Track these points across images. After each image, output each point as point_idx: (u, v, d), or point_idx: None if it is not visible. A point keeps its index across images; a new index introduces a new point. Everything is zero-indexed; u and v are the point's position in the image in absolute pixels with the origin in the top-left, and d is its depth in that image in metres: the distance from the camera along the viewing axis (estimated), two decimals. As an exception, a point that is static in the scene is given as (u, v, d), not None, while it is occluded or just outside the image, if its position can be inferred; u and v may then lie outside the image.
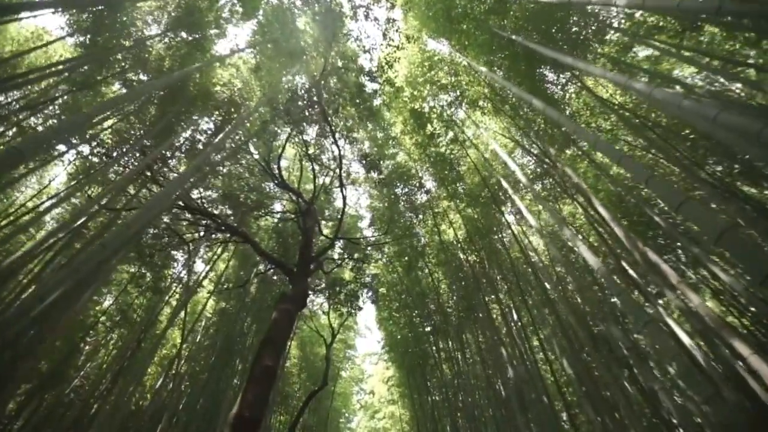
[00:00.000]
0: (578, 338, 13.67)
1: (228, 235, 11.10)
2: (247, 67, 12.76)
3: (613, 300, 14.77)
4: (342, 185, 10.45)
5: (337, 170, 13.22)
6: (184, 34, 13.28)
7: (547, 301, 15.78)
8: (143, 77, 13.03)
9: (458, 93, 11.17)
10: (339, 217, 11.33)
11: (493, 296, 16.82)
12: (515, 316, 16.24)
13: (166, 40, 13.07)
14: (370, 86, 9.65)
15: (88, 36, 11.85)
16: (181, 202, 9.30)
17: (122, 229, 5.79)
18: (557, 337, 15.06)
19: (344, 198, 10.67)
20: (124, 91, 13.72)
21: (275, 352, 5.69)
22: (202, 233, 15.01)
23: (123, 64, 12.84)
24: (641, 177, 4.74)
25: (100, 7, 11.51)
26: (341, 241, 17.68)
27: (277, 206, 18.62)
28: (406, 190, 14.76)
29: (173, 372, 18.05)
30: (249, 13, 13.02)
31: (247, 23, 13.63)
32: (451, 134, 12.59)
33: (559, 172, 12.25)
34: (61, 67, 12.12)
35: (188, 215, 13.64)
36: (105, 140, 13.28)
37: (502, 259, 14.81)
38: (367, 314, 72.78)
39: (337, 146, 10.18)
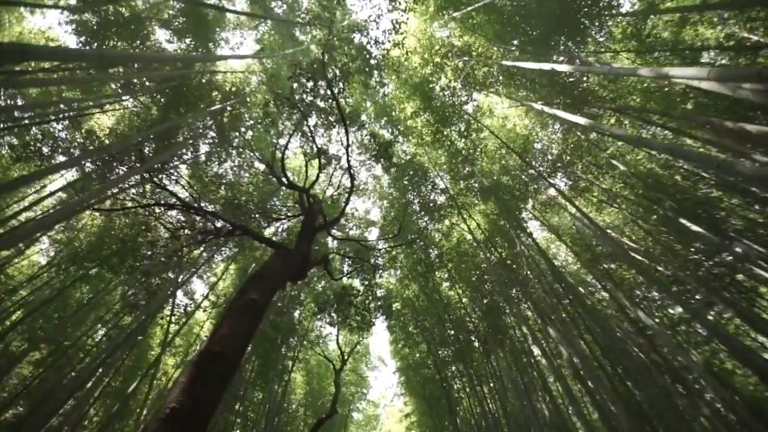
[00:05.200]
0: (628, 358, 11.63)
1: (227, 231, 10.11)
2: (252, 58, 12.51)
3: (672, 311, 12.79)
4: (349, 162, 9.56)
5: (344, 160, 12.26)
6: (188, 41, 13.33)
7: (584, 312, 13.86)
8: (145, 80, 12.82)
9: (470, 66, 10.56)
10: (346, 203, 10.22)
11: (523, 314, 14.92)
12: (550, 332, 14.22)
13: (173, 44, 13.06)
14: (377, 52, 9.10)
15: (94, 37, 11.83)
16: (176, 200, 8.52)
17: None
18: (601, 357, 12.96)
19: (351, 177, 9.72)
20: (126, 97, 13.56)
21: (263, 287, 4.34)
22: (199, 238, 13.97)
23: (127, 67, 12.71)
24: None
25: (106, 8, 11.61)
26: (351, 252, 16.37)
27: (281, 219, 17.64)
28: (419, 189, 13.71)
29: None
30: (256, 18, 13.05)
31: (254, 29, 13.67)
32: (463, 123, 11.87)
33: (583, 154, 11.20)
34: (64, 69, 12.00)
35: (186, 227, 12.73)
36: (107, 146, 12.79)
37: (530, 263, 13.24)
38: (381, 346, 68.77)
39: (343, 119, 9.42)
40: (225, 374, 3.42)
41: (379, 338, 59.40)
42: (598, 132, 9.57)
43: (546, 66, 7.35)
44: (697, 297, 12.12)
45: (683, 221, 9.30)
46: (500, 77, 10.69)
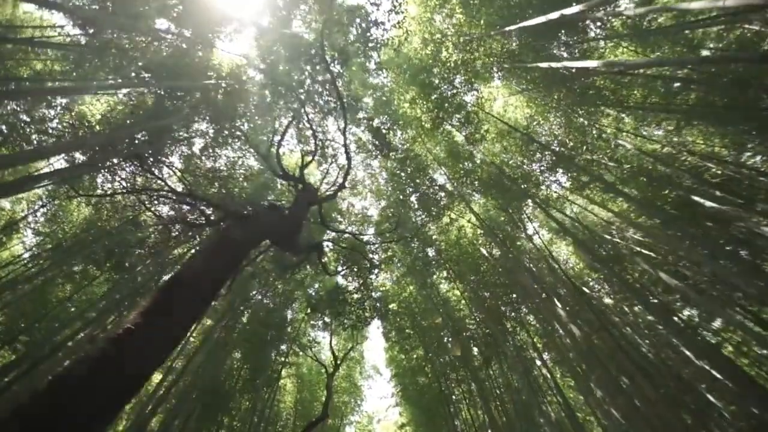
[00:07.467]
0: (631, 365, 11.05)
1: (219, 218, 9.73)
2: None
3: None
4: (345, 143, 9.27)
5: (340, 157, 11.81)
6: (187, 33, 13.19)
7: (590, 310, 13.32)
8: (140, 71, 12.59)
9: (471, 46, 10.40)
10: (344, 180, 9.88)
11: (525, 316, 14.34)
12: (554, 334, 13.59)
13: (170, 36, 12.91)
14: (377, 33, 8.94)
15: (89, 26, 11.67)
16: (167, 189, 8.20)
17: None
18: (603, 364, 12.36)
19: (348, 156, 9.44)
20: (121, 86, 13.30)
21: (247, 229, 3.89)
22: (190, 232, 13.46)
23: (123, 58, 12.50)
24: None
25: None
26: (347, 249, 15.89)
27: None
28: (417, 184, 13.37)
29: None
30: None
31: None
32: (463, 112, 11.66)
33: (588, 145, 10.96)
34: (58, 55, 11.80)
35: (177, 219, 12.27)
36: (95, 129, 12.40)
37: (532, 258, 12.79)
38: (376, 354, 66.96)
39: (341, 100, 9.18)
40: (192, 304, 2.94)
41: (374, 346, 57.84)
42: (611, 70, 9.10)
43: (554, 15, 7.15)
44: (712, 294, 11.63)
45: (696, 198, 8.95)
46: (502, 59, 10.54)
